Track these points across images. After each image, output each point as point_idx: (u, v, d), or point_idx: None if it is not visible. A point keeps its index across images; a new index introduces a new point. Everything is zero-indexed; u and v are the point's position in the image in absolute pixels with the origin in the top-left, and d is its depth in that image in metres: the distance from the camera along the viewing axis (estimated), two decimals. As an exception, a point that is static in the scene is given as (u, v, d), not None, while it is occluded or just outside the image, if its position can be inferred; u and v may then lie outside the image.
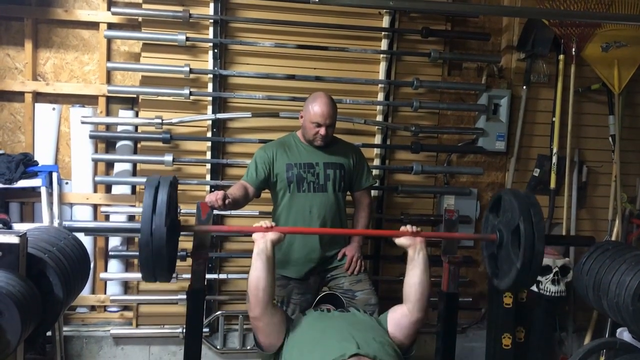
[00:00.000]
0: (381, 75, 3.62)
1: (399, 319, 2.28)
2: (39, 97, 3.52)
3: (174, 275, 3.34)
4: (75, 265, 2.04)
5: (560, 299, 3.48)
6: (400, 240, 2.32)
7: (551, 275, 3.40)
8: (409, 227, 2.32)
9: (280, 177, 2.90)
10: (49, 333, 3.03)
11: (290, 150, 2.94)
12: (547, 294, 3.44)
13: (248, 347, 3.58)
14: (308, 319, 2.34)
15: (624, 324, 2.49)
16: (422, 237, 2.31)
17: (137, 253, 3.45)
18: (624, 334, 2.75)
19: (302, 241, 2.89)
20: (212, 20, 3.41)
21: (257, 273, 2.17)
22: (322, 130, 2.81)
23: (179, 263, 3.40)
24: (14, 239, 1.74)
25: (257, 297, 2.16)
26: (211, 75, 3.45)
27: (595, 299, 2.50)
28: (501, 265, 2.37)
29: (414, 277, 2.25)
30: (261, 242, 2.22)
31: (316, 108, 2.79)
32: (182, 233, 3.44)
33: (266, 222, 2.29)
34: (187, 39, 3.35)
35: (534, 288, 3.44)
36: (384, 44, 3.61)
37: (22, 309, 1.62)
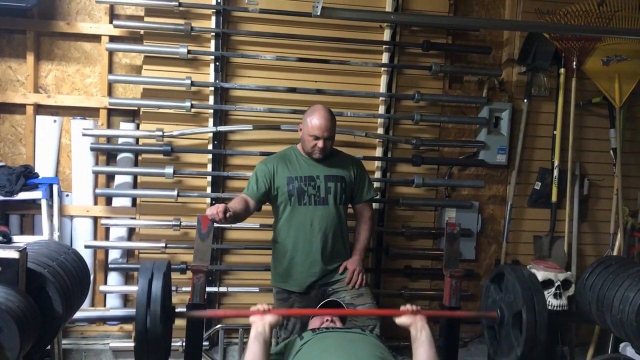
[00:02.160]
0: (382, 88, 3.63)
1: None
2: (40, 109, 3.53)
3: (174, 288, 3.32)
4: (75, 280, 2.03)
5: (562, 312, 3.46)
6: (401, 320, 2.25)
7: (553, 289, 3.37)
8: (408, 307, 2.26)
9: (281, 190, 2.89)
10: (48, 346, 3.00)
11: (291, 164, 2.93)
12: (550, 307, 3.41)
13: (248, 361, 3.55)
14: (305, 340, 2.30)
15: (628, 340, 2.47)
16: (422, 315, 2.26)
17: (137, 265, 3.48)
18: (627, 350, 2.73)
19: (303, 255, 2.88)
20: (213, 33, 3.43)
21: (254, 357, 2.12)
22: (320, 143, 2.80)
23: (179, 276, 3.41)
24: (14, 254, 1.72)
25: None
26: (212, 88, 3.45)
27: (598, 314, 2.48)
28: (501, 342, 2.34)
29: (421, 356, 2.19)
30: (260, 325, 2.16)
31: (314, 121, 2.78)
32: (182, 246, 3.48)
33: (264, 305, 2.24)
34: (189, 51, 3.36)
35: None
36: (385, 57, 3.62)
37: (21, 325, 1.60)
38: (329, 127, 2.80)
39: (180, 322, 3.32)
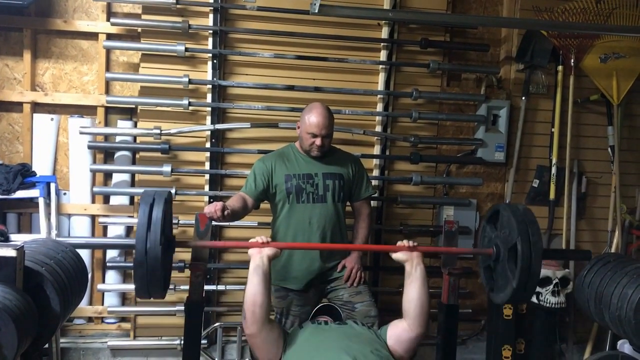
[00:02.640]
0: (380, 86, 3.63)
1: (399, 334, 2.26)
2: (37, 107, 3.52)
3: (172, 286, 3.32)
4: (72, 279, 2.02)
5: (560, 310, 3.47)
6: (397, 255, 2.31)
7: (551, 286, 3.38)
8: (405, 242, 2.31)
9: (279, 188, 2.88)
10: (45, 345, 2.99)
11: (289, 162, 2.93)
12: (547, 305, 3.42)
13: (246, 359, 3.56)
14: (305, 332, 2.32)
15: (626, 337, 2.47)
16: (418, 252, 2.29)
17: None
18: (625, 347, 2.73)
19: (302, 253, 2.88)
20: (211, 31, 3.42)
21: (253, 289, 2.14)
22: (318, 141, 2.80)
23: (177, 274, 3.39)
24: (11, 252, 1.72)
25: (254, 313, 2.14)
26: (210, 86, 3.45)
27: (596, 312, 2.48)
28: (497, 279, 2.36)
29: (413, 292, 2.24)
30: (257, 258, 2.20)
31: (312, 119, 2.78)
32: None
33: (262, 237, 2.27)
34: (187, 49, 3.35)
35: (534, 299, 3.43)
36: (383, 55, 3.61)
37: (19, 323, 1.60)
38: (327, 125, 2.80)
39: (179, 320, 3.35)
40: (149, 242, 1.98)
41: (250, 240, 2.27)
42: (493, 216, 2.43)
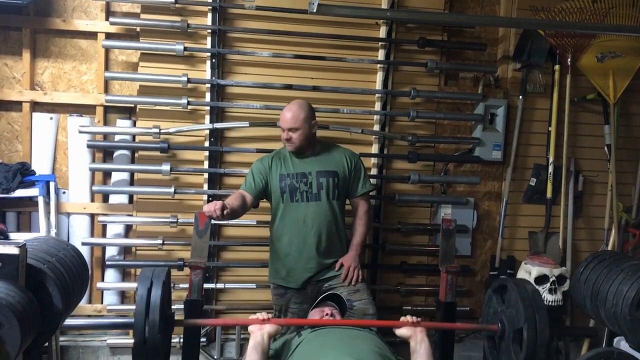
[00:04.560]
0: (378, 85, 3.64)
1: None
2: (36, 106, 3.52)
3: (171, 285, 3.33)
4: (74, 276, 2.04)
5: (557, 308, 3.49)
6: (401, 331, 2.24)
7: (548, 284, 3.40)
8: (409, 318, 2.25)
9: (274, 188, 2.91)
10: (46, 343, 3.01)
11: (284, 161, 2.95)
12: (544, 303, 3.44)
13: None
14: (304, 337, 2.30)
15: (622, 334, 2.49)
16: (422, 327, 2.26)
17: (134, 262, 3.49)
18: (621, 344, 2.75)
19: (298, 251, 2.90)
20: (210, 31, 3.43)
21: None
22: (284, 134, 2.85)
23: (176, 273, 3.41)
24: (14, 250, 1.73)
25: None
26: (209, 85, 3.46)
27: (592, 308, 2.50)
28: (500, 355, 2.37)
29: None
30: (258, 335, 2.16)
31: (282, 114, 2.85)
32: (179, 242, 3.49)
33: (263, 314, 2.23)
34: (185, 48, 3.36)
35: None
36: (381, 54, 3.63)
37: (22, 320, 1.61)
38: (290, 118, 2.82)
39: (178, 319, 3.35)
40: (147, 330, 1.99)
41: (250, 317, 2.24)
42: (500, 288, 2.42)
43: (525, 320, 2.15)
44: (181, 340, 3.24)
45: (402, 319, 2.26)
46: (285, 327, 2.82)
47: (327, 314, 2.45)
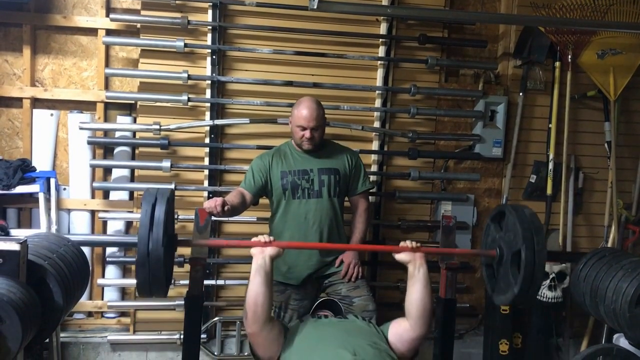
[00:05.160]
0: (379, 82, 3.64)
1: (402, 333, 2.27)
2: (37, 103, 3.53)
3: (172, 282, 3.33)
4: (75, 273, 2.04)
5: (557, 304, 3.49)
6: (400, 256, 2.29)
7: (548, 281, 3.41)
8: (408, 243, 2.29)
9: (276, 185, 2.91)
10: (47, 339, 3.02)
11: (285, 158, 2.95)
12: (544, 300, 3.45)
13: (245, 354, 3.58)
14: (305, 327, 2.33)
15: (621, 331, 2.49)
16: (421, 253, 2.29)
17: (135, 259, 3.48)
18: (620, 340, 2.75)
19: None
20: (210, 27, 3.43)
21: (256, 288, 2.14)
22: (307, 133, 2.82)
23: (177, 269, 3.40)
24: (15, 246, 1.73)
25: (256, 312, 2.15)
26: (209, 82, 3.46)
27: (592, 305, 2.50)
28: (499, 280, 2.37)
29: (416, 293, 2.23)
30: (260, 257, 2.19)
31: (300, 112, 2.81)
32: (180, 239, 3.48)
33: (265, 237, 2.26)
34: (186, 45, 3.36)
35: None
36: (381, 51, 3.63)
37: (23, 316, 1.62)
38: (315, 117, 2.81)
39: (178, 315, 3.37)
40: (151, 242, 1.98)
41: (252, 239, 2.27)
42: (498, 216, 2.43)
43: (523, 241, 2.16)
44: (181, 336, 3.27)
45: (402, 244, 2.30)
46: (288, 316, 2.83)
47: (324, 316, 2.49)
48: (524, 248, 2.16)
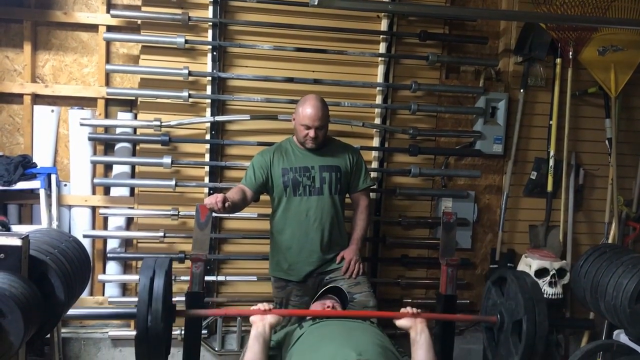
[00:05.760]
0: (379, 78, 3.64)
1: None
2: (37, 99, 3.52)
3: (172, 277, 3.34)
4: (76, 268, 2.05)
5: (557, 301, 3.50)
6: (401, 322, 2.25)
7: (548, 277, 3.41)
8: (409, 309, 2.27)
9: (277, 182, 2.91)
10: (48, 335, 3.02)
11: (287, 155, 2.95)
12: (544, 296, 3.45)
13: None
14: (305, 330, 2.32)
15: (621, 326, 2.50)
16: (422, 318, 2.27)
17: (135, 255, 3.49)
18: (620, 336, 2.76)
19: (300, 245, 2.91)
20: (211, 23, 3.42)
21: (253, 356, 2.12)
22: (312, 133, 2.82)
23: (178, 265, 3.42)
24: (17, 241, 1.74)
25: None
26: (210, 78, 3.46)
27: (592, 301, 2.51)
28: (499, 346, 2.37)
29: (420, 359, 2.22)
30: (260, 325, 2.17)
31: (305, 110, 2.80)
32: (180, 235, 3.50)
33: (265, 305, 2.25)
34: (186, 41, 3.36)
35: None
36: (382, 47, 3.62)
37: (25, 311, 1.62)
38: (320, 117, 2.81)
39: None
40: (150, 319, 2.00)
41: (252, 308, 2.25)
42: (499, 280, 2.43)
43: (525, 312, 2.16)
44: (182, 332, 3.27)
45: (402, 310, 2.28)
46: (287, 319, 2.84)
47: (328, 307, 2.46)
48: (525, 319, 2.17)
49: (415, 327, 2.21)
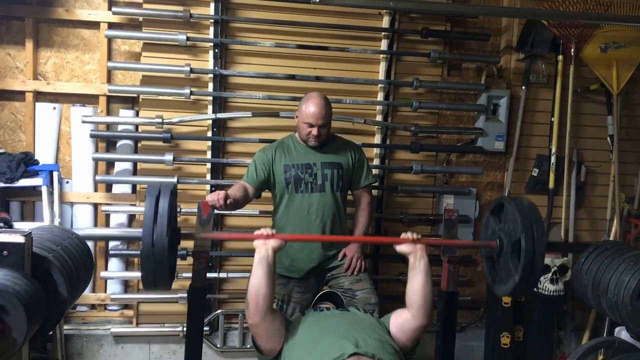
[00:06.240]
0: (381, 76, 3.64)
1: (403, 323, 2.28)
2: (39, 96, 3.53)
3: (175, 275, 3.35)
4: (79, 265, 2.05)
5: (558, 298, 3.50)
6: (401, 248, 2.30)
7: (550, 274, 3.42)
8: (409, 234, 2.30)
9: (279, 178, 2.91)
10: (51, 332, 3.03)
11: (289, 152, 2.95)
12: (546, 293, 3.45)
13: (248, 346, 3.59)
14: (307, 319, 2.34)
15: (623, 323, 2.50)
16: (422, 244, 2.30)
17: (138, 252, 3.50)
18: (622, 333, 2.76)
19: (302, 242, 2.91)
20: (212, 20, 3.42)
21: (258, 280, 2.15)
22: (315, 131, 2.82)
23: (180, 262, 3.42)
24: (20, 238, 1.74)
25: (257, 304, 2.15)
26: (212, 75, 3.46)
27: (594, 298, 2.51)
28: (499, 271, 2.38)
29: (417, 284, 2.25)
30: (263, 250, 2.20)
31: (309, 108, 2.80)
32: (182, 232, 3.49)
33: (267, 229, 2.27)
34: (188, 38, 3.36)
35: (533, 287, 3.46)
36: (383, 44, 3.62)
37: (28, 307, 1.63)
38: (323, 115, 2.81)
39: (181, 308, 3.38)
40: (155, 234, 1.99)
41: (255, 232, 2.28)
42: (497, 208, 2.43)
43: (523, 229, 2.16)
44: (184, 329, 3.28)
45: (403, 235, 2.31)
46: (290, 312, 2.84)
47: (326, 308, 2.49)
48: (523, 237, 2.16)
49: (415, 252, 2.26)
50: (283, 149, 2.96)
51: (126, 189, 3.62)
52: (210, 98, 3.48)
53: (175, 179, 3.39)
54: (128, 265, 3.67)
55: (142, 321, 3.59)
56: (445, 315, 2.51)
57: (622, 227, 3.82)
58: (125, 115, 3.56)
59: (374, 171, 3.56)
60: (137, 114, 3.56)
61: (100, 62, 3.55)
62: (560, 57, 3.74)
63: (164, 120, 3.37)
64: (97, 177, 3.47)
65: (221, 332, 3.60)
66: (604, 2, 3.64)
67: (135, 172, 3.60)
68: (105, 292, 3.65)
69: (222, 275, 3.60)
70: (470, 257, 3.88)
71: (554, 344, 3.80)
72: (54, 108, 3.54)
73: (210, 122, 3.49)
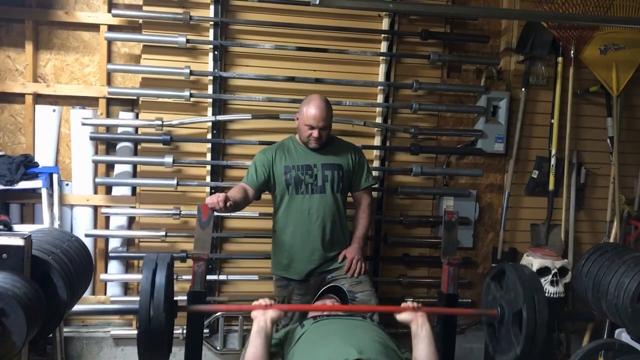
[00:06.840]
0: (381, 78, 3.64)
1: None
2: (39, 98, 3.53)
3: (174, 276, 3.34)
4: (78, 268, 2.05)
5: (559, 300, 3.50)
6: (402, 316, 2.25)
7: (550, 276, 3.41)
8: (409, 303, 2.27)
9: (279, 179, 2.91)
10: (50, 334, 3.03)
11: (289, 153, 2.95)
12: (546, 295, 3.45)
13: (248, 348, 3.59)
14: (306, 329, 2.32)
15: (623, 325, 2.50)
16: (423, 312, 2.28)
17: (137, 254, 3.50)
18: (622, 335, 2.76)
19: (302, 243, 2.91)
20: (212, 23, 3.43)
21: (255, 350, 2.11)
22: (315, 133, 2.83)
23: (180, 264, 3.43)
24: (19, 241, 1.74)
25: None
26: (211, 77, 3.46)
27: (594, 300, 2.51)
28: (500, 340, 2.37)
29: (421, 352, 2.20)
30: (262, 320, 2.17)
31: (309, 111, 2.80)
32: (182, 234, 3.50)
33: (265, 300, 2.25)
34: (188, 41, 3.36)
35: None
36: (383, 46, 3.62)
37: (28, 310, 1.63)
38: (324, 117, 2.81)
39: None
40: (152, 310, 1.99)
41: (253, 303, 2.26)
42: (498, 274, 2.43)
43: (524, 300, 2.16)
44: (184, 331, 3.28)
45: (403, 304, 2.28)
46: (288, 317, 2.85)
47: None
48: (525, 308, 2.16)
49: (416, 320, 2.22)
50: (283, 151, 2.96)
51: (126, 191, 3.62)
52: (210, 100, 3.48)
53: (174, 181, 3.38)
54: (128, 267, 3.66)
55: (142, 323, 3.58)
56: (445, 318, 2.51)
57: (622, 229, 3.81)
58: (125, 117, 3.56)
59: (374, 173, 3.56)
60: (136, 116, 3.55)
61: (100, 65, 3.55)
62: (559, 59, 3.74)
63: (164, 123, 3.37)
64: (97, 180, 3.47)
65: (221, 335, 3.60)
66: (604, 4, 3.64)
67: (135, 174, 3.59)
68: (105, 294, 3.64)
69: (222, 277, 3.60)
70: (470, 259, 3.89)
71: (554, 346, 3.80)
72: (54, 110, 3.54)
73: (210, 124, 3.49)
